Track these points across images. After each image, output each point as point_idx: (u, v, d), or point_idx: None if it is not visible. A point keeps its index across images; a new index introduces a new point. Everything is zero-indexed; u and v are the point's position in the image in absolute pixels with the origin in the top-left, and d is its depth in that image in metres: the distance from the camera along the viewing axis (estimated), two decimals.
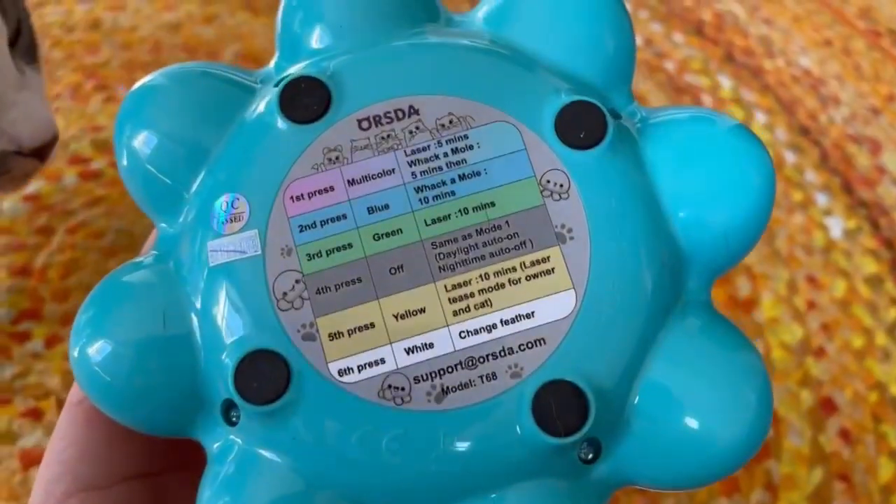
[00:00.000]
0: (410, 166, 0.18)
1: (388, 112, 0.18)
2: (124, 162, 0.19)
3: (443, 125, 0.18)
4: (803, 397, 0.37)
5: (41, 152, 0.32)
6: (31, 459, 0.33)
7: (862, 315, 0.40)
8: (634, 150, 0.18)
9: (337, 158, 0.18)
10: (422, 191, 0.18)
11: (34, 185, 0.40)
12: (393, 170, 0.18)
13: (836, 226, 0.42)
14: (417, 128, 0.18)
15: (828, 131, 0.46)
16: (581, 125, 0.18)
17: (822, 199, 0.43)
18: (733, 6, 0.52)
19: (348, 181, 0.18)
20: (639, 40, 0.49)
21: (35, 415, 0.35)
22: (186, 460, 0.20)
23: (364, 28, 0.19)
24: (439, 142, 0.18)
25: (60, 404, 0.35)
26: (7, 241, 0.39)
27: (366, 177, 0.18)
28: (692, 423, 0.17)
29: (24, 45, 0.33)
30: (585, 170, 0.18)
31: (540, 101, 0.18)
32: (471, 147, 0.18)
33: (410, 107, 0.18)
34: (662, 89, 0.48)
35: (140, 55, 0.46)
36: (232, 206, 0.18)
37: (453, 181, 0.18)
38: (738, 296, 0.40)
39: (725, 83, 0.48)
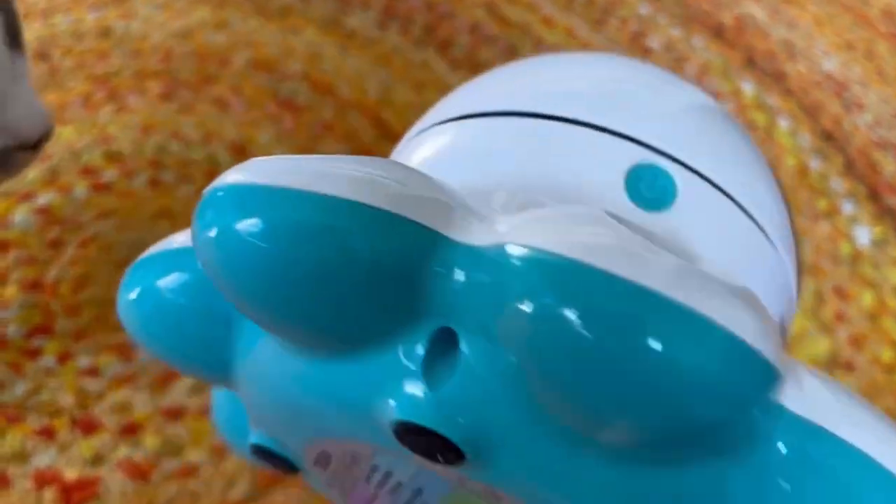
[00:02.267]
0: None
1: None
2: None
3: None
4: None
5: (38, 144, 0.32)
6: (44, 480, 0.33)
7: (891, 327, 0.39)
8: None
9: None
10: None
11: (45, 198, 0.40)
12: None
13: (864, 235, 0.42)
14: None
15: (852, 137, 0.45)
16: None
17: (848, 208, 0.43)
18: (753, 9, 0.51)
19: None
20: (658, 45, 0.48)
21: (48, 433, 0.34)
22: None
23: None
24: None
25: (74, 422, 0.34)
26: (18, 254, 0.38)
27: None
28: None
29: (10, 30, 0.32)
30: None
31: None
32: None
33: None
34: None
35: (151, 63, 0.45)
36: None
37: None
38: None
39: (747, 88, 0.47)
